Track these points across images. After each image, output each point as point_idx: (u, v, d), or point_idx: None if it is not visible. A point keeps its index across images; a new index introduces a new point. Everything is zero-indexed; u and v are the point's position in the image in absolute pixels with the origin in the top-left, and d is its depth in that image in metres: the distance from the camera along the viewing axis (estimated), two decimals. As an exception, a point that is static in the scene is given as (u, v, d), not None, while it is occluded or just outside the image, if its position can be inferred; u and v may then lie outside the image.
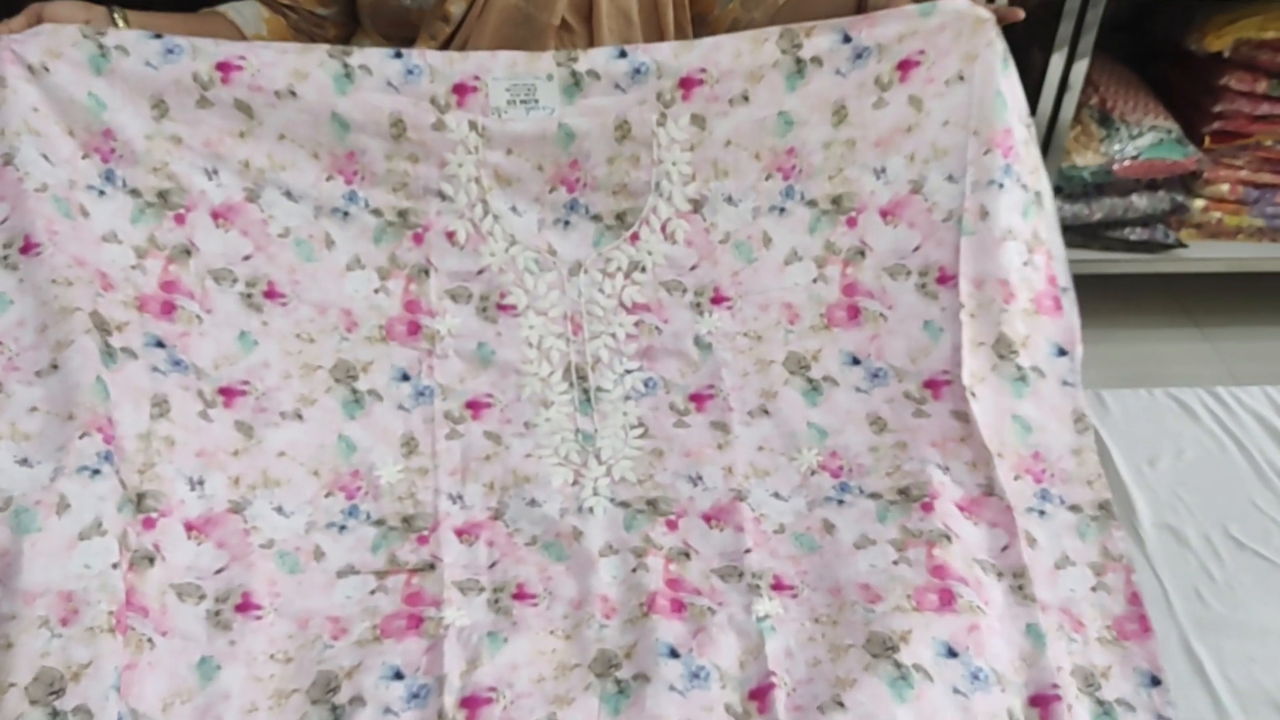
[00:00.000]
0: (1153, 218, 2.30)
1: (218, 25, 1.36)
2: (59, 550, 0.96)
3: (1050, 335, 1.25)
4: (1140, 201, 2.27)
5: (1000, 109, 1.25)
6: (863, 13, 1.30)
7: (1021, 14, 1.27)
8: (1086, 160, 2.22)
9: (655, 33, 1.40)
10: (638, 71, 1.25)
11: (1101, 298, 2.46)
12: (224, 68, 1.19)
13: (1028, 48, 2.35)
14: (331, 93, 1.21)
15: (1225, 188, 2.32)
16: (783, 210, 1.30)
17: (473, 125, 1.24)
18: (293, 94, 1.20)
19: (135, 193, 1.19)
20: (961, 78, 1.26)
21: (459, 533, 1.15)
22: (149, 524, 1.06)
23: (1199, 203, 2.33)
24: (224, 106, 1.20)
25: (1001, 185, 1.25)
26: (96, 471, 1.01)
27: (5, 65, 1.15)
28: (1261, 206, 2.33)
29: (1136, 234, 2.32)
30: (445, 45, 1.34)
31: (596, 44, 1.36)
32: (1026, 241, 1.26)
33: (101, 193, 1.18)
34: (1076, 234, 2.33)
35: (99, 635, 0.93)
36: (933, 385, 1.24)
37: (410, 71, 1.22)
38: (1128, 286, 2.45)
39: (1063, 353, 1.25)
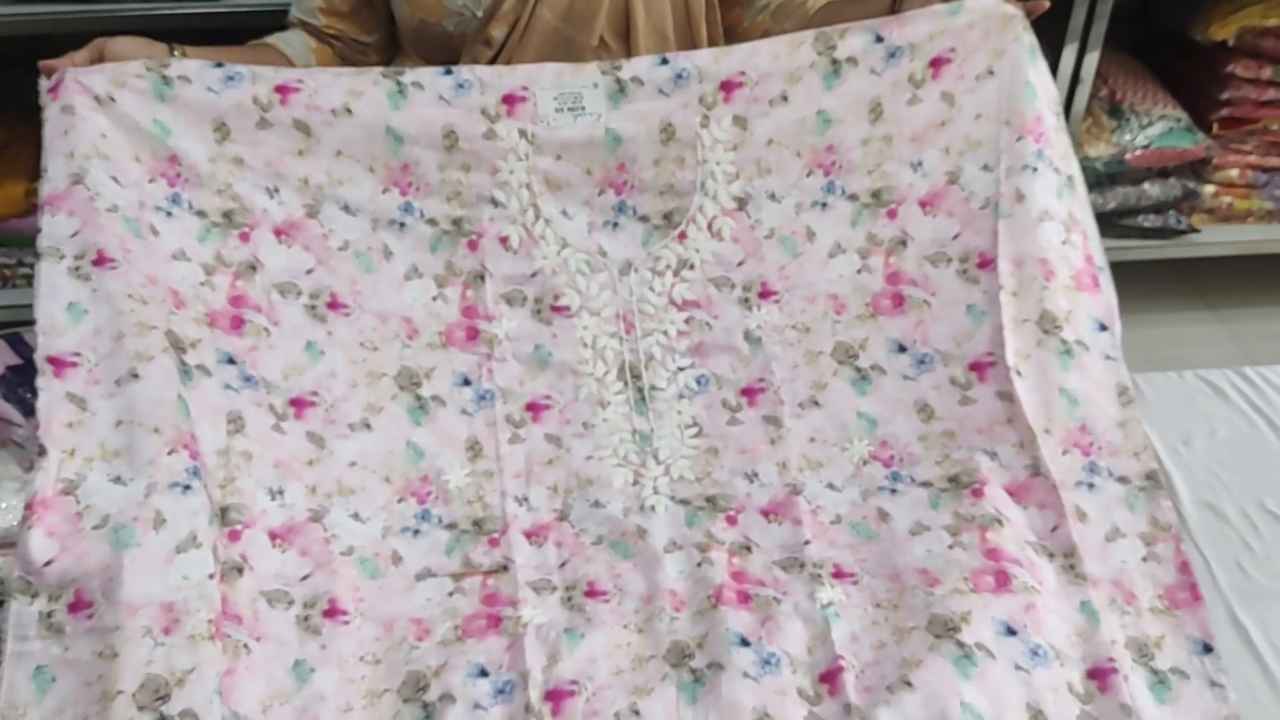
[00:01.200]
0: (1165, 204, 2.35)
1: (270, 56, 1.41)
2: (158, 563, 1.01)
3: (1091, 311, 1.28)
4: (1152, 189, 2.32)
5: (1030, 98, 1.29)
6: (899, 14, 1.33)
7: (1047, 3, 1.30)
8: (1099, 151, 2.26)
9: (689, 48, 1.44)
10: (680, 77, 1.29)
11: (1117, 284, 2.47)
12: (282, 90, 1.23)
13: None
14: (386, 108, 1.25)
15: (1235, 172, 2.36)
16: (825, 205, 1.34)
17: (522, 133, 1.28)
18: (348, 111, 1.24)
19: (201, 214, 1.23)
20: (991, 72, 1.30)
21: (528, 535, 1.19)
22: (234, 536, 1.10)
23: (1209, 188, 2.37)
24: (283, 127, 1.24)
25: (1035, 169, 1.28)
26: (187, 487, 1.06)
27: (73, 95, 1.19)
28: (1271, 189, 2.38)
29: (1150, 221, 2.36)
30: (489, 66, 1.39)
31: None
32: (1063, 222, 1.29)
33: (169, 214, 1.22)
34: (1091, 223, 2.38)
35: (200, 642, 0.98)
36: (978, 368, 1.28)
37: (461, 85, 1.26)
38: (1143, 272, 2.49)
39: (1103, 328, 1.27)
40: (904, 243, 1.33)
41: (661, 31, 1.43)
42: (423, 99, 1.26)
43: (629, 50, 1.41)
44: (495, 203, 1.30)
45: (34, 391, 1.13)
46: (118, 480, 1.06)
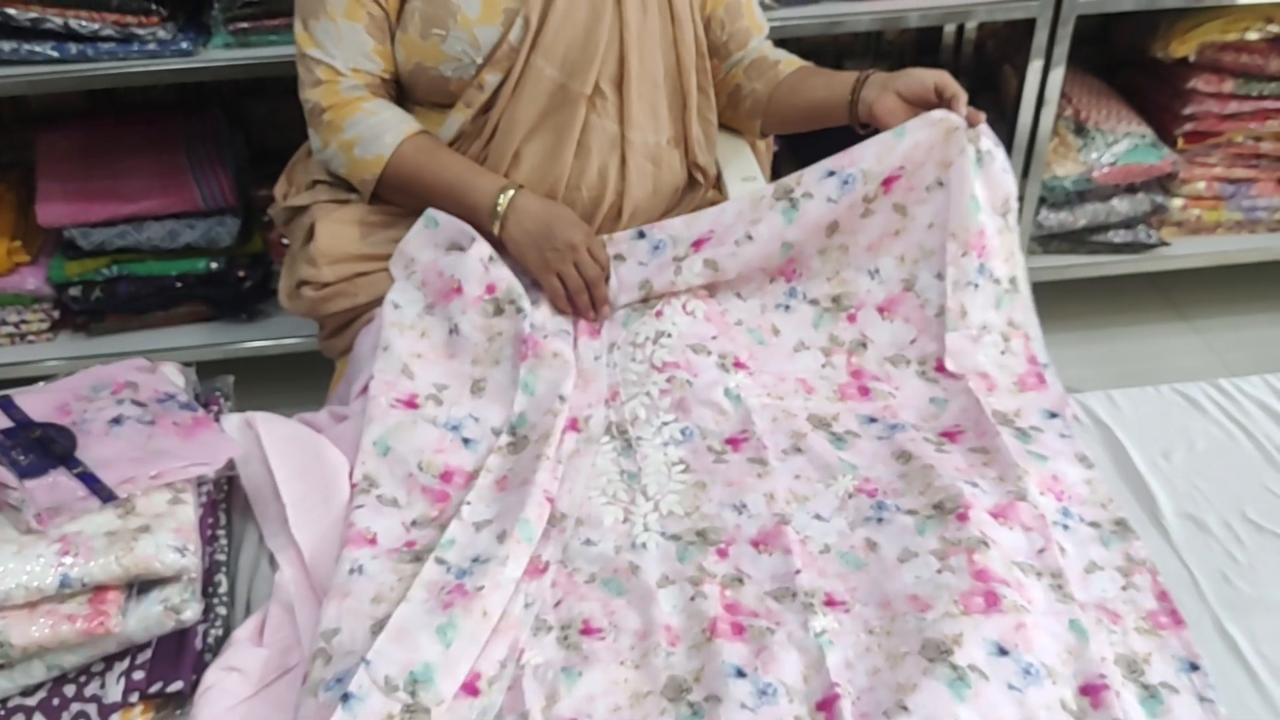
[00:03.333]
0: (1134, 219, 2.39)
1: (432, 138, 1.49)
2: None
3: (1039, 405, 1.37)
4: (1121, 205, 2.36)
5: (974, 211, 1.37)
6: (856, 100, 1.46)
7: (983, 116, 1.39)
8: (1067, 170, 2.30)
9: (678, 96, 1.50)
10: (656, 248, 1.42)
11: (1092, 300, 2.55)
12: None
13: (1000, 67, 2.44)
14: None
15: (1201, 185, 2.41)
16: (788, 307, 1.46)
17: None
18: None
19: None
20: (940, 184, 1.39)
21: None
22: None
23: (1177, 201, 2.42)
24: None
25: (977, 285, 1.38)
26: None
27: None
28: (1238, 200, 2.42)
29: (1120, 236, 2.41)
30: (482, 112, 1.42)
31: (626, 108, 1.45)
32: (1002, 331, 1.38)
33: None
34: (1063, 241, 2.42)
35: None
36: (948, 435, 1.35)
37: None
38: (1116, 287, 2.53)
39: (1054, 415, 1.36)
40: (864, 345, 1.43)
41: (653, 79, 1.47)
42: None
43: (622, 99, 1.45)
44: None
45: (26, 454, 1.14)
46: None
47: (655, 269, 1.43)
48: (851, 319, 1.43)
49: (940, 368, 1.39)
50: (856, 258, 1.43)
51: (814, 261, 1.43)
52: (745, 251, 1.42)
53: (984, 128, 1.38)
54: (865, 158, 1.39)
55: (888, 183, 1.40)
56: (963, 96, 1.38)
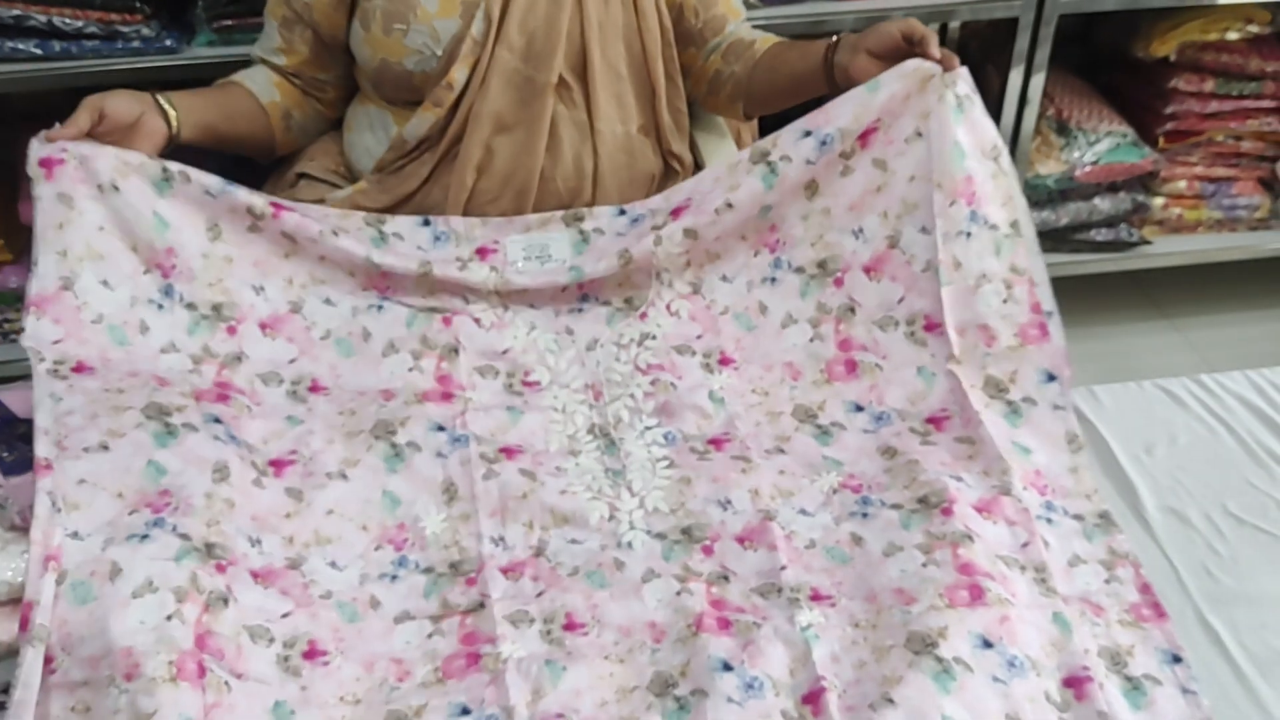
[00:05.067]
0: (1116, 218, 2.40)
1: (238, 95, 1.48)
2: (114, 611, 1.02)
3: (1038, 362, 1.32)
4: (1103, 204, 2.37)
5: (958, 159, 1.32)
6: (830, 66, 1.43)
7: (957, 60, 1.33)
8: (1049, 169, 2.31)
9: (645, 85, 1.49)
10: (636, 221, 1.41)
11: (1074, 298, 2.54)
12: (276, 205, 1.33)
13: (983, 66, 2.45)
14: (368, 247, 1.36)
15: (1183, 184, 2.42)
16: (774, 280, 1.41)
17: (494, 268, 1.39)
18: (335, 234, 1.35)
19: (191, 306, 1.32)
20: (919, 134, 1.34)
21: (504, 571, 1.19)
22: (221, 568, 1.11)
23: (1159, 200, 2.43)
24: (272, 234, 1.34)
25: (969, 234, 1.32)
26: (145, 536, 1.08)
27: (74, 183, 1.25)
28: (1219, 199, 2.43)
29: (1102, 235, 2.42)
30: (452, 110, 1.41)
31: (591, 99, 1.45)
32: (1004, 279, 1.33)
33: (160, 306, 1.30)
34: (1045, 239, 2.41)
35: (161, 685, 0.98)
36: (934, 421, 1.33)
37: (438, 238, 1.41)
38: (1098, 285, 2.54)
39: (1052, 378, 1.32)
40: (852, 310, 1.39)
41: (615, 69, 1.47)
42: (402, 248, 1.38)
43: (586, 88, 1.45)
44: (467, 300, 1.39)
45: (10, 450, 1.14)
46: (75, 535, 1.09)
47: (634, 238, 1.40)
48: (838, 283, 1.39)
49: (929, 327, 1.35)
50: (839, 219, 1.39)
51: (797, 228, 1.40)
52: (726, 219, 1.39)
53: (962, 71, 1.33)
54: (842, 115, 1.35)
55: (864, 137, 1.36)
56: (932, 38, 1.33)
